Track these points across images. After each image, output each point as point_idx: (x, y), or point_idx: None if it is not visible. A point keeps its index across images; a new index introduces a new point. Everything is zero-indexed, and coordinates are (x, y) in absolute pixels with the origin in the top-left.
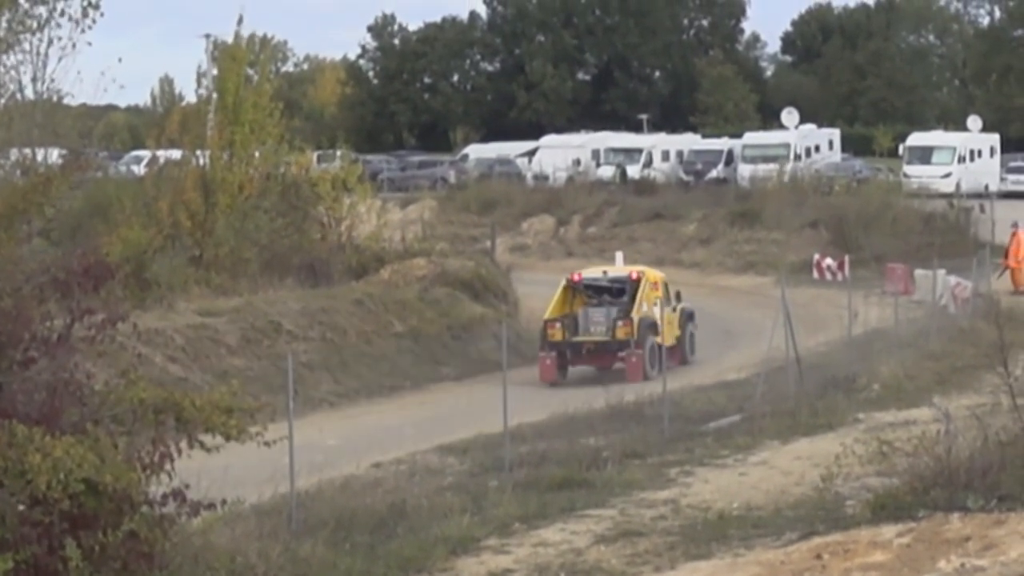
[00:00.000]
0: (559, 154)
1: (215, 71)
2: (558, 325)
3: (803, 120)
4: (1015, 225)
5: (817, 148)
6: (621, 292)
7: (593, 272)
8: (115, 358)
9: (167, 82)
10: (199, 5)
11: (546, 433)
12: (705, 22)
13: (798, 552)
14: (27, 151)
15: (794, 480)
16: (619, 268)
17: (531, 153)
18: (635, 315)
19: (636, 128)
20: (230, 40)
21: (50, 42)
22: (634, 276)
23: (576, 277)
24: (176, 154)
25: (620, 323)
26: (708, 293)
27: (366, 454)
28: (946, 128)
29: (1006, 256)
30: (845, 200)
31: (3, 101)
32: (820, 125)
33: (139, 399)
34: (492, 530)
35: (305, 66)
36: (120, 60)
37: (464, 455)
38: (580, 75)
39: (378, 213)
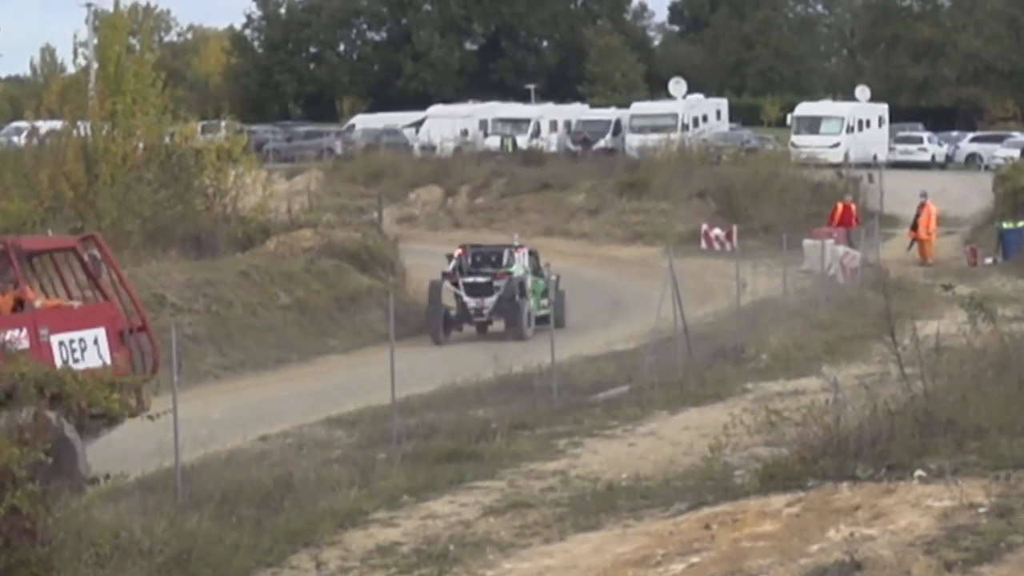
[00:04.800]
0: (446, 124)
1: (96, 40)
2: None
3: (691, 90)
4: (924, 195)
5: (705, 118)
6: None
7: None
8: None
9: (48, 51)
10: None
11: (434, 405)
12: None
13: (687, 522)
14: None
15: (683, 450)
16: None
17: (418, 123)
18: None
19: (524, 98)
20: (111, 9)
21: None
22: None
23: None
24: (58, 125)
25: None
26: (596, 263)
27: (252, 427)
28: (834, 98)
29: (914, 228)
30: (733, 170)
31: None
32: (708, 95)
33: (20, 374)
34: (380, 503)
35: (189, 36)
36: None
37: (352, 428)
38: (467, 45)
39: (264, 184)
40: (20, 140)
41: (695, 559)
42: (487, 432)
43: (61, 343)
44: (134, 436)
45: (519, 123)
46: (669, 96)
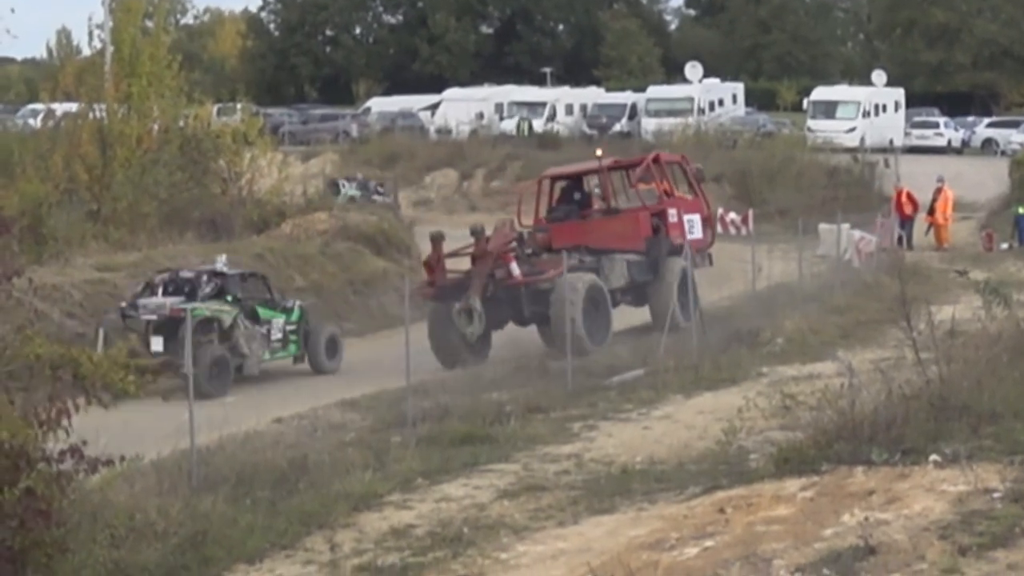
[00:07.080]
0: (462, 107)
1: (111, 22)
2: None
3: (707, 74)
4: (940, 180)
5: (721, 102)
6: None
7: None
8: (11, 314)
9: (64, 34)
10: None
11: (449, 388)
12: None
13: (701, 506)
14: None
15: (697, 434)
16: None
17: (434, 106)
18: None
19: (539, 81)
20: None
21: None
22: None
23: None
24: (74, 107)
25: None
26: None
27: (267, 410)
28: (850, 82)
29: (931, 212)
30: (749, 154)
31: None
32: (724, 79)
33: (36, 355)
34: (394, 485)
35: (206, 18)
36: (13, 11)
37: (366, 411)
38: (483, 28)
39: (279, 167)
40: (36, 122)
41: (709, 543)
42: (501, 415)
43: (686, 220)
44: (149, 418)
45: (535, 106)
46: (685, 80)
